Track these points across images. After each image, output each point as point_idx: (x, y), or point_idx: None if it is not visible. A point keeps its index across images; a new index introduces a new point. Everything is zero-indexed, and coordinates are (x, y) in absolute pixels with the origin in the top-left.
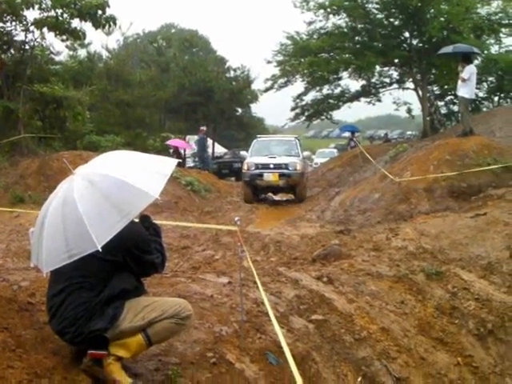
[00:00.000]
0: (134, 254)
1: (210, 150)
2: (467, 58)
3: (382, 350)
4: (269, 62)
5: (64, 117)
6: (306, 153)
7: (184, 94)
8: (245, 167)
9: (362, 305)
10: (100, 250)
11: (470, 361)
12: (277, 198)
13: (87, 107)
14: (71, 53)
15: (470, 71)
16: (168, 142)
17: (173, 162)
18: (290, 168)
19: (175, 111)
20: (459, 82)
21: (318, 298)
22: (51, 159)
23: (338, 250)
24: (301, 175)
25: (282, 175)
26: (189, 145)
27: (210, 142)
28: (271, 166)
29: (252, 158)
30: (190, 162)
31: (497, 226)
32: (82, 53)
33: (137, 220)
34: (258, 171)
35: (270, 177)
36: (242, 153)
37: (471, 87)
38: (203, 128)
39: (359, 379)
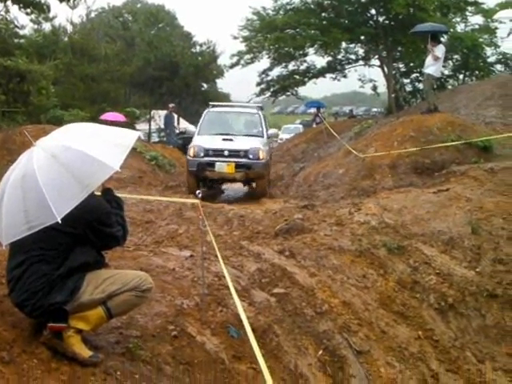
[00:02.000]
0: (94, 227)
1: (177, 126)
2: (436, 37)
3: (343, 323)
4: (235, 38)
5: (28, 91)
6: (273, 130)
7: (149, 69)
8: (190, 153)
9: (324, 279)
10: (60, 221)
11: (430, 334)
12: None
13: (51, 81)
14: (36, 26)
15: (442, 50)
16: (102, 117)
17: (134, 134)
18: (251, 156)
19: (140, 86)
20: (428, 59)
21: (280, 271)
22: (14, 133)
23: (301, 224)
24: (264, 166)
25: (239, 166)
26: (124, 117)
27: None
28: (225, 152)
29: (200, 138)
30: (154, 137)
31: (459, 202)
32: (46, 26)
33: (98, 193)
34: (207, 159)
35: (224, 167)
36: (191, 128)
37: (439, 65)
38: (172, 105)
39: (320, 352)
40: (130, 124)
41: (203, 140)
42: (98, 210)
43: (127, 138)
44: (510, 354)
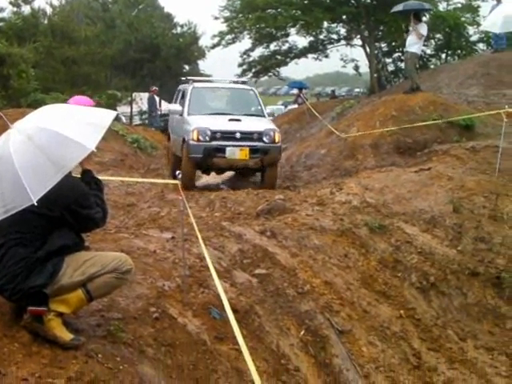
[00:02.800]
0: (71, 209)
1: (159, 108)
2: (418, 15)
3: (325, 303)
4: (216, 18)
5: (8, 74)
6: (270, 108)
7: (130, 51)
8: (193, 137)
9: (306, 259)
10: (36, 204)
11: (412, 313)
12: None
13: (31, 64)
14: (15, 9)
15: (425, 28)
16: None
17: (111, 114)
18: (266, 139)
19: (121, 68)
20: (411, 38)
21: (262, 252)
22: None
23: (282, 204)
24: (280, 151)
25: (254, 151)
26: (91, 101)
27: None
28: (237, 135)
29: (199, 119)
30: (136, 120)
31: (441, 181)
32: (25, 9)
33: (78, 175)
34: (215, 144)
35: (236, 153)
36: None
37: (421, 44)
38: (155, 88)
39: (302, 332)
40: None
41: (204, 120)
42: (75, 191)
43: (103, 118)
44: (492, 332)
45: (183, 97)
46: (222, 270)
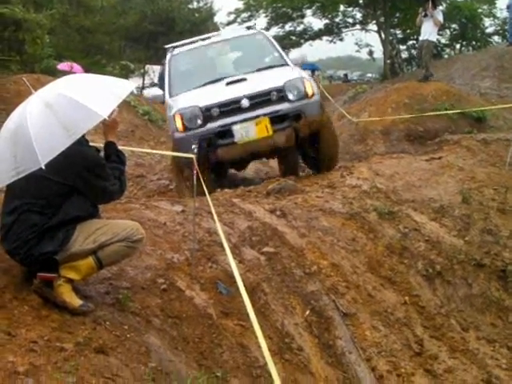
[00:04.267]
0: (84, 178)
1: None
2: (434, 2)
3: (331, 285)
4: None
5: (23, 40)
6: (297, 53)
7: (145, 23)
8: (176, 126)
9: (314, 240)
10: (43, 167)
11: (416, 300)
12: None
13: (47, 31)
14: None
15: (442, 15)
16: (58, 67)
17: (130, 85)
18: (292, 96)
19: (136, 40)
20: (428, 25)
21: (271, 230)
22: (9, 81)
23: (293, 185)
24: (319, 107)
25: (278, 119)
26: (79, 67)
27: None
28: (244, 102)
29: (182, 98)
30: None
31: (451, 171)
32: None
33: (101, 145)
34: (214, 126)
35: (251, 130)
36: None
37: (437, 32)
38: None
39: (307, 312)
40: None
41: (190, 98)
42: (89, 160)
43: (122, 89)
44: (494, 324)
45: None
46: (231, 246)
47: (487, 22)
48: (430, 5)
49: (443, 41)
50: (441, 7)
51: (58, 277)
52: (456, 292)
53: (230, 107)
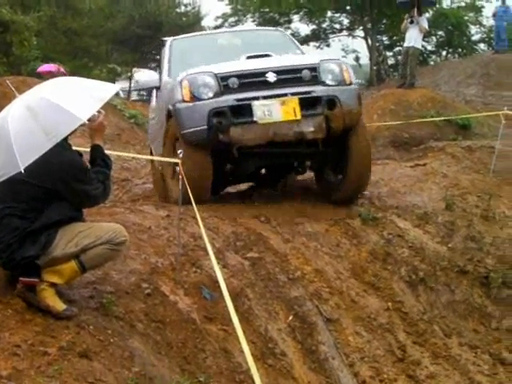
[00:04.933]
0: (66, 182)
1: None
2: (420, 9)
3: (314, 290)
4: (220, 0)
5: (10, 42)
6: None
7: (133, 26)
8: (182, 93)
9: (298, 245)
10: (23, 171)
11: (399, 306)
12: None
13: (34, 33)
14: None
15: (427, 22)
16: (39, 70)
17: (113, 88)
18: (329, 78)
19: (123, 43)
20: (413, 32)
21: (255, 236)
22: None
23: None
24: (357, 97)
25: (309, 102)
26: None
27: None
28: (269, 76)
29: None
30: (134, 95)
31: (435, 178)
32: None
33: (87, 149)
34: (230, 98)
35: (275, 110)
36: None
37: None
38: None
39: (290, 318)
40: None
41: (201, 67)
42: (69, 164)
43: (104, 92)
44: (477, 330)
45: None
46: (215, 251)
47: (473, 29)
48: (416, 11)
49: (429, 48)
50: (427, 14)
51: (40, 281)
52: (439, 298)
53: (252, 79)
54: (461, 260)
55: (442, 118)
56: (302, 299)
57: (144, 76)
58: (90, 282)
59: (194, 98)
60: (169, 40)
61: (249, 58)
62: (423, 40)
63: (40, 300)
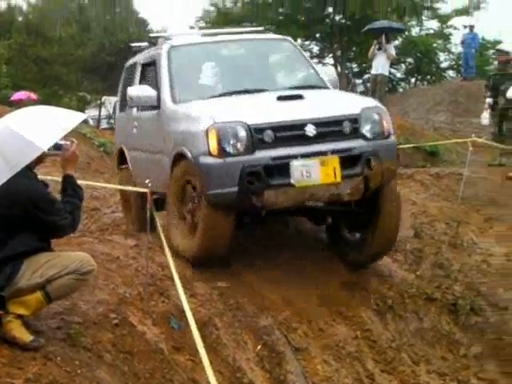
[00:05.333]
0: (29, 212)
1: None
2: (387, 36)
3: (283, 319)
4: (191, 28)
5: None
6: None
7: (103, 54)
8: (209, 144)
9: (266, 273)
10: None
11: (368, 335)
12: None
13: (4, 61)
14: None
15: (394, 49)
16: (12, 98)
17: (78, 118)
18: (370, 131)
19: (93, 71)
20: (380, 59)
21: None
22: None
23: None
24: (395, 151)
25: (349, 161)
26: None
27: None
28: (309, 130)
29: (206, 105)
30: (104, 124)
31: (404, 205)
32: (1, 4)
33: (59, 179)
34: (266, 155)
35: (315, 172)
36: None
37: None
38: None
39: (259, 347)
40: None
41: (225, 109)
42: (34, 194)
43: (69, 120)
44: (445, 357)
45: (143, 75)
46: (183, 281)
47: (442, 56)
48: (384, 38)
49: (398, 75)
50: (396, 42)
51: (6, 313)
52: (407, 326)
53: (290, 133)
54: (429, 287)
55: (411, 145)
56: (271, 328)
57: (137, 91)
58: (58, 312)
59: (223, 152)
60: (165, 48)
61: (280, 98)
62: (391, 67)
63: (6, 332)
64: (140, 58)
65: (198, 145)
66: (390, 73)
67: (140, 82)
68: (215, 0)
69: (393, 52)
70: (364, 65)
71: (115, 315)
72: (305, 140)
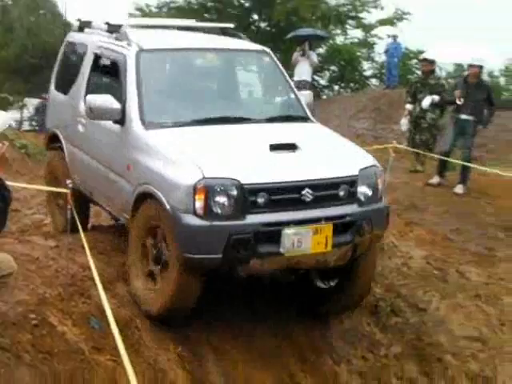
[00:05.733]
0: None
1: None
2: (310, 43)
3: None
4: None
5: None
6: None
7: (27, 56)
8: (193, 204)
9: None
10: None
11: (289, 334)
12: None
13: None
14: None
15: (316, 57)
16: None
17: (8, 118)
18: (364, 193)
19: (16, 72)
20: (304, 66)
21: None
22: None
23: None
24: (387, 215)
25: (342, 228)
26: None
27: None
28: (306, 194)
29: (189, 144)
30: (26, 125)
31: None
32: None
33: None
34: (257, 220)
35: (306, 241)
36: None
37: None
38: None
39: (179, 348)
40: None
41: (214, 156)
42: None
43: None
44: (365, 357)
45: (95, 70)
46: (104, 281)
47: (366, 65)
48: (307, 45)
49: (322, 82)
50: (320, 49)
51: None
52: (329, 327)
53: (285, 196)
54: None
55: None
56: (192, 329)
57: (99, 101)
58: None
59: (210, 213)
60: (133, 50)
61: (272, 148)
62: (315, 74)
63: None
64: (93, 45)
65: (179, 198)
66: (314, 80)
67: (90, 78)
68: (140, 4)
69: (315, 59)
70: (288, 71)
71: (35, 315)
72: (300, 204)
